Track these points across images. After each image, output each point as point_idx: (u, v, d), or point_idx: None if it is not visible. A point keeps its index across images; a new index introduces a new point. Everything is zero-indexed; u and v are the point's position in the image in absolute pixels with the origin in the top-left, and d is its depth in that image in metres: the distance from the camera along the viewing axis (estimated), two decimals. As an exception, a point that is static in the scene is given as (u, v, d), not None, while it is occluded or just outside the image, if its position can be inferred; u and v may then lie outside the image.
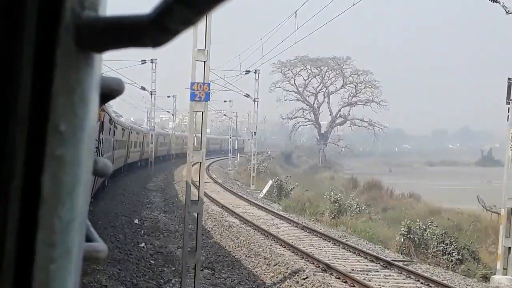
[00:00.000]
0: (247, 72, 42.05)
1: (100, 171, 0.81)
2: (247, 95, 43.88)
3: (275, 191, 41.06)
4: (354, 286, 14.17)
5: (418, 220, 23.71)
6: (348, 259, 17.62)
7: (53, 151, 0.66)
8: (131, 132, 38.54)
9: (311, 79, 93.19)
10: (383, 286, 14.63)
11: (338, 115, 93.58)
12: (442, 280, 15.74)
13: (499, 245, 18.16)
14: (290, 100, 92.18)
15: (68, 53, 0.65)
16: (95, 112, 0.71)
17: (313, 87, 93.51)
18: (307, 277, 14.56)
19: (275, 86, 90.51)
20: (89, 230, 0.84)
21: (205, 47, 11.76)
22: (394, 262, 17.31)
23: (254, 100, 43.59)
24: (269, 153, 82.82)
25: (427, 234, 22.20)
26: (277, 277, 15.03)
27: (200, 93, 11.42)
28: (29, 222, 0.65)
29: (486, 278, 18.25)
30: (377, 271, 16.26)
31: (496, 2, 17.23)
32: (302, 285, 14.21)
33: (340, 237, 21.35)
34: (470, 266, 20.10)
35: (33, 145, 0.65)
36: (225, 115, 73.90)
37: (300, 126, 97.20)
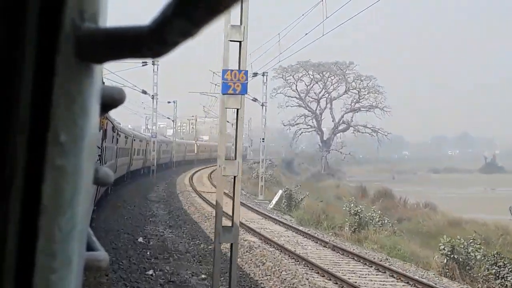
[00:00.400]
0: (255, 74, 39.31)
1: (101, 180, 0.82)
2: (255, 99, 41.14)
3: (284, 201, 38.67)
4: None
5: (459, 237, 20.91)
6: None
7: (54, 161, 0.66)
8: (134, 140, 38.04)
9: (313, 84, 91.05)
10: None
11: (341, 121, 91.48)
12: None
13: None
14: (291, 106, 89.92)
15: (68, 64, 0.66)
16: (96, 121, 0.71)
17: (315, 93, 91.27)
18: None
19: (276, 92, 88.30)
20: (91, 239, 0.84)
21: (240, 23, 9.04)
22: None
23: (262, 105, 40.83)
24: (272, 160, 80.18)
25: (470, 253, 19.48)
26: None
27: (235, 84, 8.68)
28: (29, 231, 0.65)
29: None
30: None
31: None
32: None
33: (381, 261, 18.50)
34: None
35: (33, 155, 0.65)
36: (227, 121, 70.99)
37: (302, 132, 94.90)
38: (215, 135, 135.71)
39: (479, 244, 20.48)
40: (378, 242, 25.34)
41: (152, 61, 40.56)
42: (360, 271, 16.94)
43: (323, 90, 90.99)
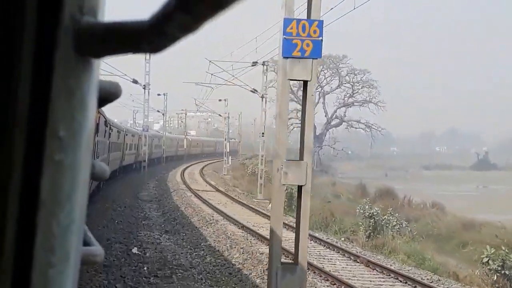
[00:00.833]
0: (254, 64, 36.29)
1: (98, 175, 0.83)
2: (254, 90, 38.12)
3: (285, 201, 35.85)
4: None
5: (504, 248, 18.10)
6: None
7: (52, 155, 0.66)
8: (126, 135, 37.20)
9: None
10: None
11: (334, 116, 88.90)
12: None
13: None
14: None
15: (67, 58, 0.66)
16: (93, 116, 0.71)
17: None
18: None
19: (267, 86, 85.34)
20: (86, 234, 0.84)
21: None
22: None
23: (262, 97, 37.83)
24: (264, 156, 77.22)
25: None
26: None
27: (304, 42, 5.72)
28: (28, 226, 0.65)
29: None
30: None
31: None
32: None
33: (423, 279, 15.56)
34: None
35: (32, 149, 0.65)
36: (220, 115, 67.69)
37: (293, 128, 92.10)
38: (202, 130, 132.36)
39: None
40: (398, 250, 22.53)
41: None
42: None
43: (316, 84, 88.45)
